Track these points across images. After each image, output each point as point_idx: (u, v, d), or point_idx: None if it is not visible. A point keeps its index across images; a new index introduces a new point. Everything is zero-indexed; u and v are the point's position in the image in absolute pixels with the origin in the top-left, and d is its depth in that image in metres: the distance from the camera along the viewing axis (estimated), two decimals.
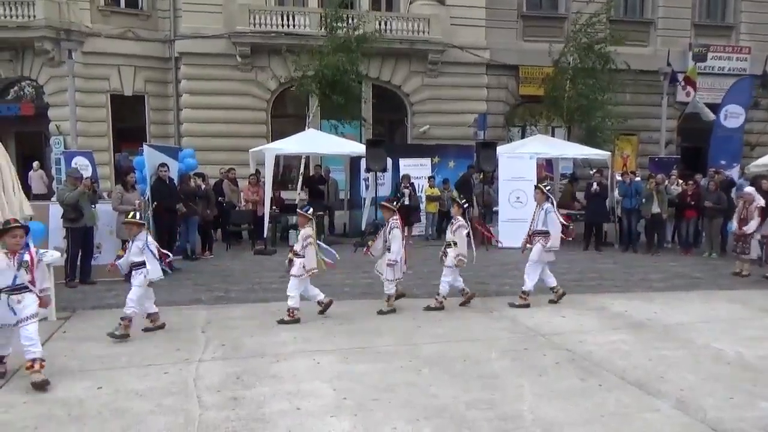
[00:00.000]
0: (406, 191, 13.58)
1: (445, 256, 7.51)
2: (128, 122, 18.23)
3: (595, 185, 12.78)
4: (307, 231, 6.83)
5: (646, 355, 5.81)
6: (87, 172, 11.47)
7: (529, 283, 7.68)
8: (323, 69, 14.83)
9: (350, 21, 16.13)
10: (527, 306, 7.59)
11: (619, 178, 13.52)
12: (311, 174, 15.09)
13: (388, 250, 7.20)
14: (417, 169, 14.50)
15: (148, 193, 9.77)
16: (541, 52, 18.09)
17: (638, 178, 13.24)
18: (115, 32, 17.56)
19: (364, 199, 13.91)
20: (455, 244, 7.42)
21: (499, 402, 4.66)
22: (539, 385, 5.01)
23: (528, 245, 7.86)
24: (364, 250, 7.79)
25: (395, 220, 7.28)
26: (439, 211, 14.06)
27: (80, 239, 8.74)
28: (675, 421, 4.34)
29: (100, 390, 4.84)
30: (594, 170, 14.03)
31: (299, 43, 16.53)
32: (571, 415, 4.43)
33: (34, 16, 16.50)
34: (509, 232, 12.80)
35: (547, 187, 8.13)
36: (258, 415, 4.37)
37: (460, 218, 7.58)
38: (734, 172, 14.62)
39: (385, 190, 14.32)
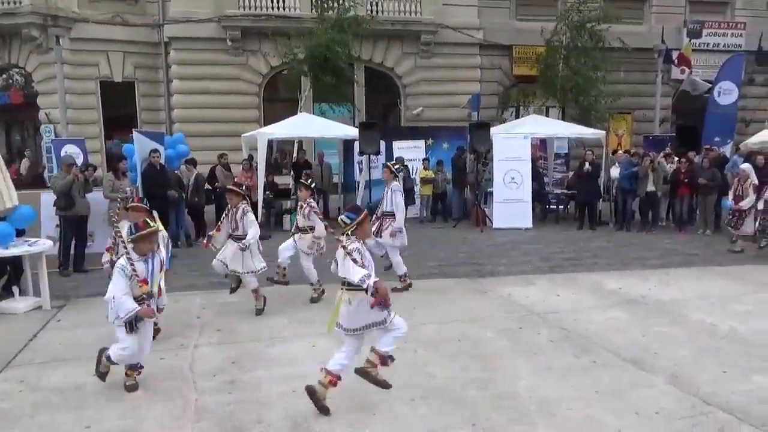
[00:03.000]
0: (400, 174, 13.52)
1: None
2: (119, 109, 18.02)
3: (587, 165, 12.74)
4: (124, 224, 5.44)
5: (640, 331, 5.85)
6: (79, 160, 11.40)
7: (399, 270, 7.50)
8: (314, 51, 14.66)
9: (341, 2, 15.93)
10: (409, 287, 7.48)
11: (612, 156, 13.48)
12: (295, 158, 15.01)
13: (237, 239, 6.41)
14: (411, 152, 14.47)
15: (138, 180, 9.70)
16: (535, 31, 17.94)
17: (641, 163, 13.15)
18: (103, 18, 17.28)
19: (358, 182, 13.87)
20: (311, 229, 6.88)
21: (495, 381, 4.68)
22: (535, 364, 5.04)
23: (380, 228, 7.46)
24: (204, 242, 6.77)
25: (246, 204, 6.57)
26: (433, 193, 14.05)
27: (73, 227, 8.71)
28: (669, 396, 4.37)
29: (97, 377, 4.84)
30: (586, 149, 13.95)
31: (290, 26, 16.33)
32: (566, 392, 4.46)
33: (21, 3, 16.20)
34: (505, 212, 12.85)
35: (396, 166, 7.77)
36: (255, 398, 4.39)
37: (311, 201, 7.00)
38: (727, 149, 14.63)
39: (378, 173, 14.27)
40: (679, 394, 4.42)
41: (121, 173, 9.26)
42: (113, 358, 4.49)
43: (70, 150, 12.20)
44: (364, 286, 3.85)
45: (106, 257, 5.77)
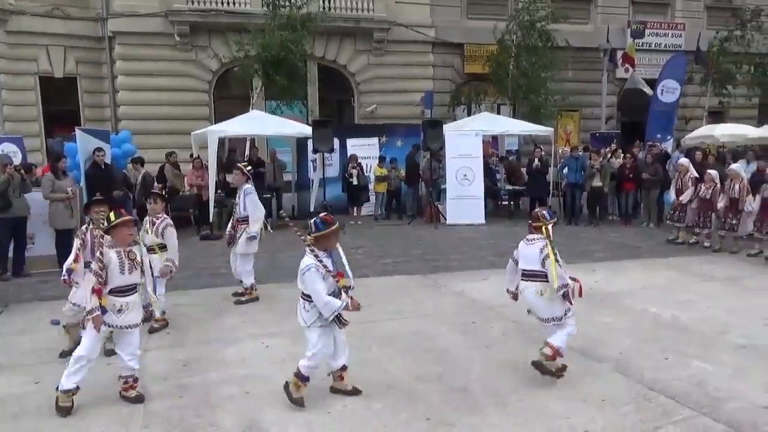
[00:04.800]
0: (354, 171, 13.54)
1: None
2: (60, 106, 17.30)
3: (536, 161, 13.07)
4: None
5: (588, 322, 6.00)
6: (17, 159, 10.89)
7: (247, 280, 6.93)
8: (265, 49, 14.43)
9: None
10: (256, 300, 6.91)
11: (560, 152, 13.83)
12: (247, 156, 14.74)
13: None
14: (365, 149, 14.47)
15: (83, 180, 9.35)
16: (486, 30, 18.19)
17: (581, 153, 13.57)
18: (42, 10, 16.52)
19: (312, 180, 13.77)
20: (161, 248, 5.96)
21: (448, 375, 4.73)
22: (487, 357, 5.12)
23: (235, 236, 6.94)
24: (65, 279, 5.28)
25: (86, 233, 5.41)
26: (387, 190, 14.10)
27: (10, 230, 8.31)
28: (615, 384, 4.53)
29: (38, 385, 4.64)
30: (535, 146, 14.31)
31: (241, 22, 16.03)
32: (517, 382, 4.55)
33: None
34: (458, 209, 13.01)
35: (248, 168, 7.18)
36: (206, 402, 4.29)
37: (164, 216, 6.18)
38: (668, 145, 15.22)
39: (333, 171, 14.24)
40: (625, 381, 4.58)
41: (62, 173, 8.88)
42: (305, 372, 4.15)
43: (8, 148, 11.62)
44: (564, 290, 4.49)
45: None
